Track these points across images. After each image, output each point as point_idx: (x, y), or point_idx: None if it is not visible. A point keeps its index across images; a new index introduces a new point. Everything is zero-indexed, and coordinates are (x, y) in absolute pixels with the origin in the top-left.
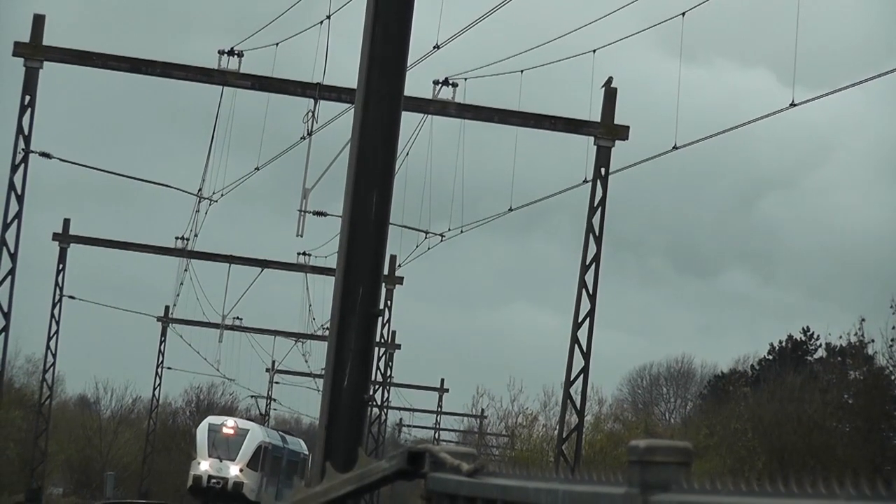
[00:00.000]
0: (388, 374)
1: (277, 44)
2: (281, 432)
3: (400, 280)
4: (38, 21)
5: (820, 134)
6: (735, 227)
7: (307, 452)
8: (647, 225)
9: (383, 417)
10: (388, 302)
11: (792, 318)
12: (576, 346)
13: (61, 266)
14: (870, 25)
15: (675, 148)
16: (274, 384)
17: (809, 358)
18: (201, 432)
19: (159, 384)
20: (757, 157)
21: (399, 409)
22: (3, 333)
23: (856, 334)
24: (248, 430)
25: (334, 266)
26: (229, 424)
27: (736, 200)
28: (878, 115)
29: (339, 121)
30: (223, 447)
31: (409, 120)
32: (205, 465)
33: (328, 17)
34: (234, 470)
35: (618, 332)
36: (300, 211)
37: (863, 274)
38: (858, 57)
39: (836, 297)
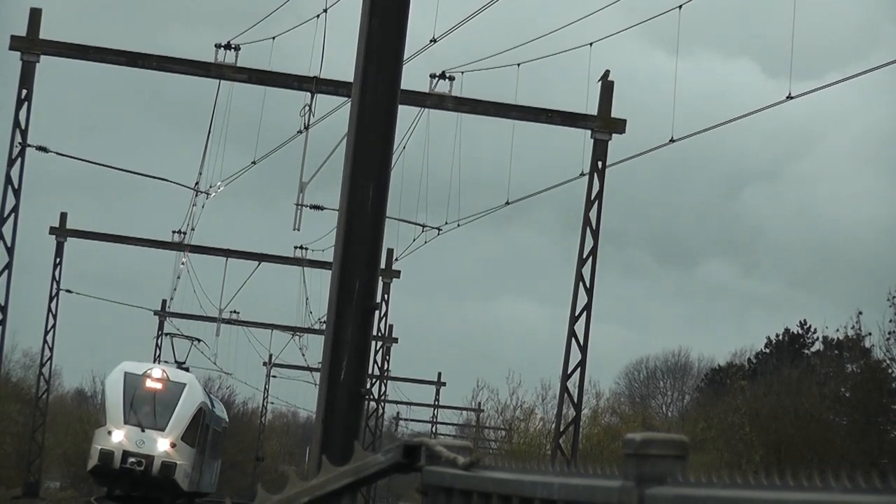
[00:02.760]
0: (386, 367)
1: (274, 37)
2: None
3: (397, 273)
4: (35, 15)
5: (804, 125)
6: (717, 219)
7: (227, 421)
8: (628, 216)
9: (380, 411)
10: (385, 295)
11: (775, 310)
12: (572, 340)
13: (58, 260)
14: (854, 16)
15: (671, 141)
16: (271, 378)
17: (806, 351)
18: (113, 385)
19: None
20: (740, 149)
21: (396, 402)
22: (1, 327)
23: (853, 327)
24: (183, 386)
25: (331, 260)
26: (155, 375)
27: (718, 192)
28: (862, 107)
29: (336, 114)
30: (146, 409)
31: (405, 113)
32: (118, 436)
33: (325, 10)
34: (162, 444)
35: (605, 324)
36: (297, 205)
37: (846, 265)
38: (842, 48)
39: (819, 287)
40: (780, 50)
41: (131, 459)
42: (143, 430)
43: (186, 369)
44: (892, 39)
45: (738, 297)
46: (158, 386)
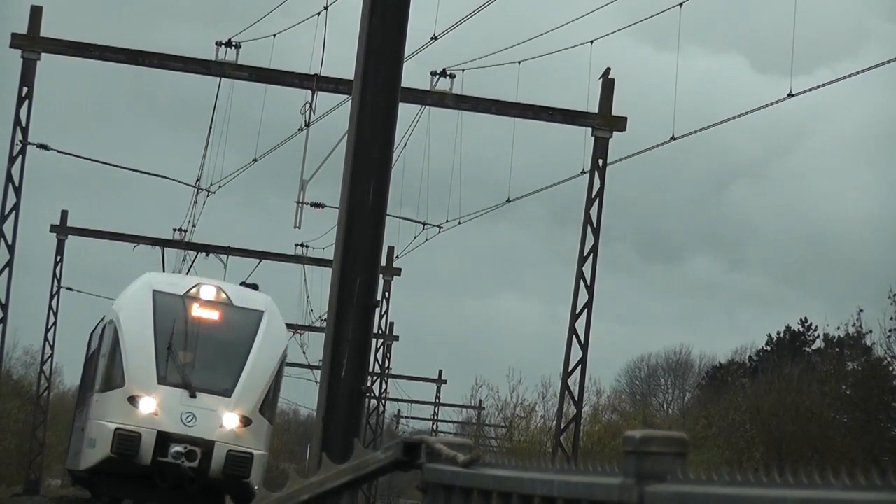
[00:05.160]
0: (386, 365)
1: (275, 35)
2: None
3: (398, 271)
4: (36, 12)
5: (792, 121)
6: (703, 214)
7: None
8: (612, 211)
9: (381, 409)
10: (386, 293)
11: (766, 305)
12: (573, 337)
13: (59, 258)
14: (843, 12)
15: (673, 138)
16: None
17: (807, 349)
18: (134, 313)
19: None
20: (727, 145)
21: (397, 400)
22: (2, 325)
23: (853, 325)
24: (259, 316)
25: (332, 257)
26: (207, 296)
27: (704, 187)
28: (851, 103)
29: (337, 112)
30: (198, 359)
31: (406, 111)
32: (149, 406)
33: (325, 7)
34: (228, 421)
35: (596, 320)
36: (298, 202)
37: (834, 260)
38: (832, 43)
39: (807, 283)
40: (769, 46)
41: (176, 449)
42: (192, 396)
43: (255, 287)
44: (881, 35)
45: (726, 292)
46: (215, 316)
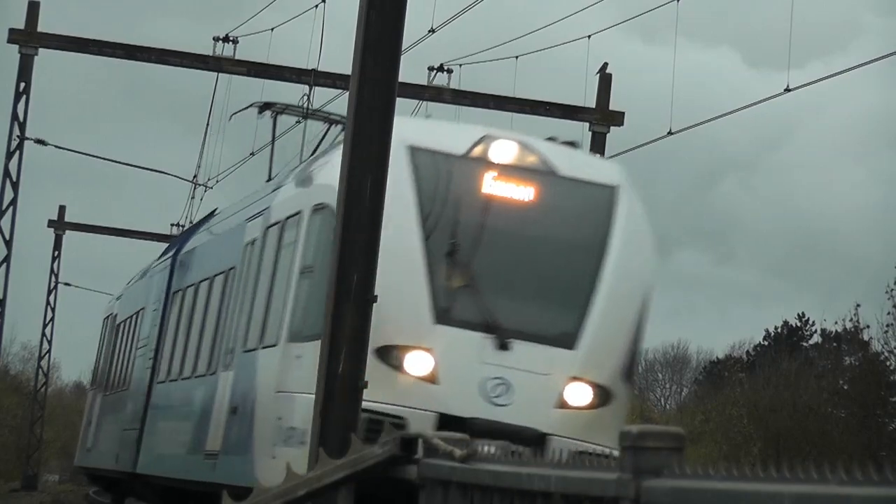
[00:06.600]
0: None
1: (272, 29)
2: None
3: None
4: (33, 7)
5: (783, 115)
6: (691, 209)
7: None
8: None
9: None
10: None
11: (757, 300)
12: None
13: (57, 253)
14: (834, 5)
15: (670, 133)
16: None
17: (805, 344)
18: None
19: None
20: (716, 140)
21: None
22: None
23: (851, 320)
24: (612, 192)
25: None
26: (508, 156)
27: (693, 182)
28: (842, 97)
29: (335, 106)
30: (503, 276)
31: (404, 106)
32: (421, 366)
33: (323, 1)
34: (574, 395)
35: None
36: None
37: (825, 254)
38: (824, 37)
39: (798, 277)
40: (761, 40)
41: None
42: (501, 347)
43: (573, 145)
44: (873, 29)
45: (716, 287)
46: (529, 195)
